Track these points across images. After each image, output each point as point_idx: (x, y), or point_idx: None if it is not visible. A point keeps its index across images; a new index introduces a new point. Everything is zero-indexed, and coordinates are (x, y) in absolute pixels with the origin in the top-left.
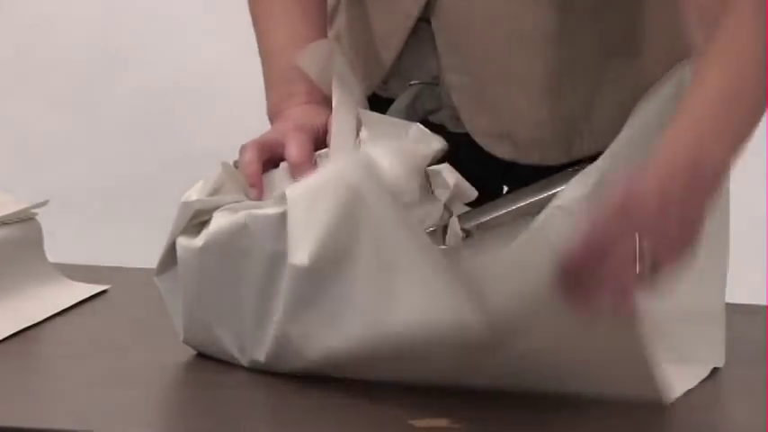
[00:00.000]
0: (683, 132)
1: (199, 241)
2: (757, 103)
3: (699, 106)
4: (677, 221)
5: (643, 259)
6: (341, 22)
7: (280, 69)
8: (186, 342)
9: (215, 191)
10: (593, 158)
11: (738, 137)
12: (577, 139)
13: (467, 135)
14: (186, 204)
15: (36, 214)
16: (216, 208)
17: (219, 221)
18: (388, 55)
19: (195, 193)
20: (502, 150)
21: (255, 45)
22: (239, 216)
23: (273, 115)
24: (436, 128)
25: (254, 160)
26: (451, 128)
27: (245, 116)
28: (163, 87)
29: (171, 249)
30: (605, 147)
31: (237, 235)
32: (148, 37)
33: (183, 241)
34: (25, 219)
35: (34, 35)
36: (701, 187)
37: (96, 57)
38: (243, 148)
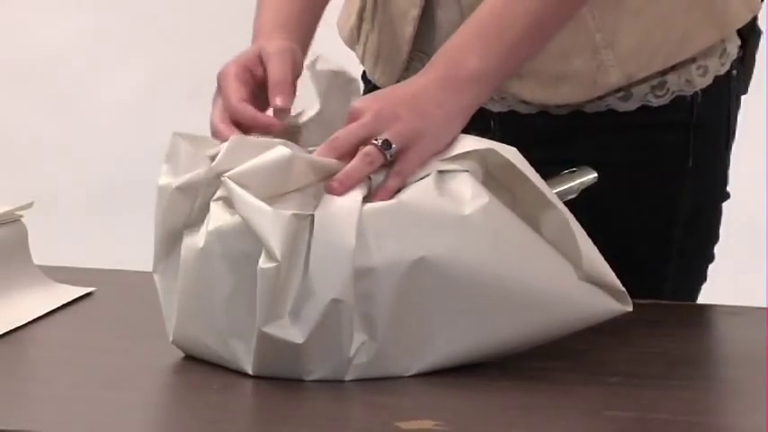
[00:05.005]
0: (449, 44)
1: (199, 241)
2: (524, 25)
3: (470, 24)
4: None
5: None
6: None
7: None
8: (175, 343)
9: (183, 164)
10: (617, 91)
11: (503, 48)
12: (602, 72)
13: None
14: (163, 188)
15: (22, 216)
16: (203, 173)
17: (218, 221)
18: (408, 29)
19: (166, 177)
20: (529, 90)
21: None
22: (238, 219)
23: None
24: None
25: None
26: None
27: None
28: (149, 87)
29: (163, 241)
30: (630, 78)
31: (236, 239)
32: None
33: (188, 240)
34: (11, 221)
35: (18, 37)
36: (453, 87)
37: (82, 58)
38: (224, 77)
